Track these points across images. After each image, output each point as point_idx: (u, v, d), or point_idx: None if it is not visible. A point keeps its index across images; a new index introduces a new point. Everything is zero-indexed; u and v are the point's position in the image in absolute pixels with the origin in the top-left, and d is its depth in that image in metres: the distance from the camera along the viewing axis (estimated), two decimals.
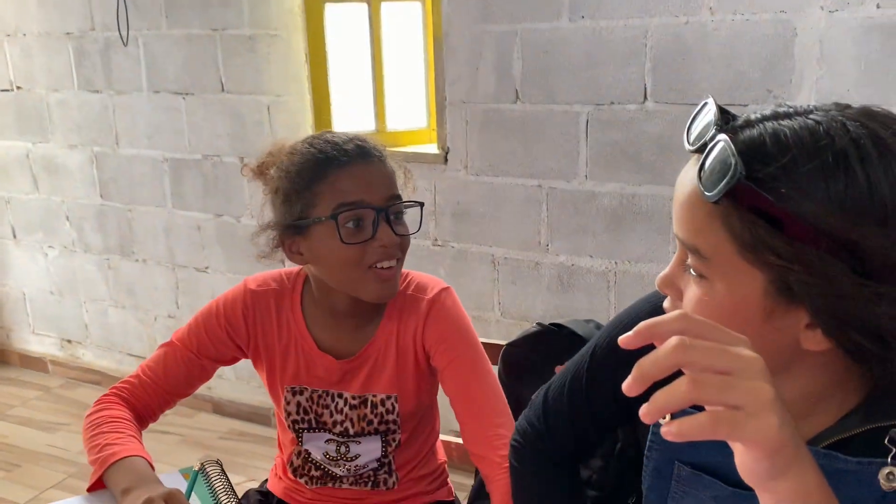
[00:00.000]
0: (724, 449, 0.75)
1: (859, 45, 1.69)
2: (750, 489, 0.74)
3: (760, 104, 1.81)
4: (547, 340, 1.17)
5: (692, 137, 0.68)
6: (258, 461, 2.55)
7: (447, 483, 1.32)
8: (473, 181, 2.21)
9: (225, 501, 0.99)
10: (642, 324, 0.53)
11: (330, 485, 1.24)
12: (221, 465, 1.06)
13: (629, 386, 0.52)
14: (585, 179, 2.06)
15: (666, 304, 0.73)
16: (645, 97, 1.94)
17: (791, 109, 0.66)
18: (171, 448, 2.62)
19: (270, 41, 2.41)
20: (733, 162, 0.59)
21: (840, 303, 0.60)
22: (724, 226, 0.62)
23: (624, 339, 0.54)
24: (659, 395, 0.51)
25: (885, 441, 0.69)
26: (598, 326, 1.18)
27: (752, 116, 0.66)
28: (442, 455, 1.33)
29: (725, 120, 0.66)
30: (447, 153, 2.23)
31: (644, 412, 0.51)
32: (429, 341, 1.15)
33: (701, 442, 0.76)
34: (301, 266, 1.19)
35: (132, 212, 2.87)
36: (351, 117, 2.46)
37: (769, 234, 0.60)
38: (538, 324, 1.21)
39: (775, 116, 0.65)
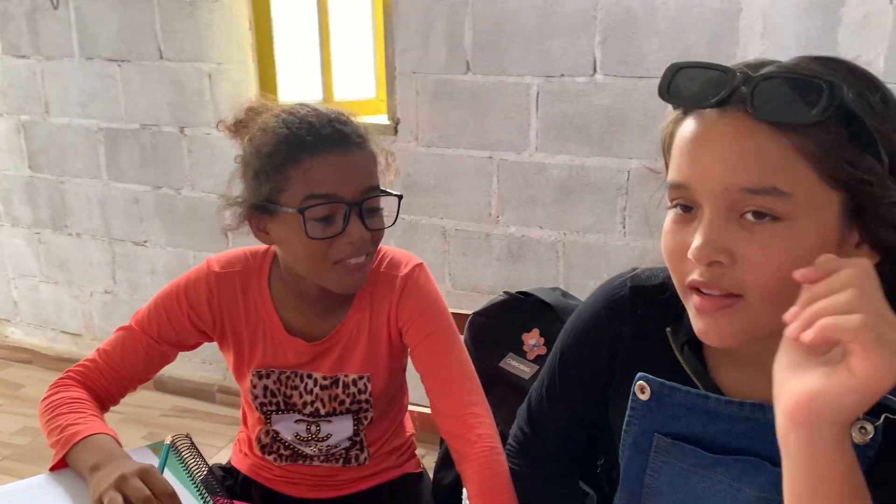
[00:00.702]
0: (703, 419, 0.78)
1: (800, 20, 1.75)
2: (729, 455, 0.77)
3: None
4: (514, 308, 1.18)
5: (707, 92, 0.67)
6: (203, 437, 2.50)
7: (415, 455, 1.32)
8: (424, 153, 2.20)
9: (198, 476, 0.97)
10: (825, 259, 0.59)
11: (300, 462, 1.21)
12: (191, 440, 1.03)
13: (802, 335, 0.57)
14: (536, 151, 2.08)
15: (701, 276, 0.68)
16: (594, 70, 1.97)
17: (757, 60, 0.70)
18: (113, 426, 2.55)
19: (212, 6, 2.33)
20: (826, 84, 0.61)
21: (892, 210, 0.64)
22: (801, 154, 0.63)
23: (802, 274, 0.59)
24: (828, 321, 0.55)
25: None
26: (564, 294, 1.20)
27: (743, 66, 0.68)
28: (410, 427, 1.33)
29: (732, 68, 0.67)
30: (397, 124, 2.21)
31: (803, 332, 0.57)
32: (402, 318, 1.13)
33: (681, 413, 0.79)
34: (265, 247, 1.15)
35: (65, 184, 2.75)
36: (297, 87, 2.41)
37: (850, 151, 0.63)
38: (505, 292, 1.22)
39: (770, 62, 0.68)
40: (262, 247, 1.16)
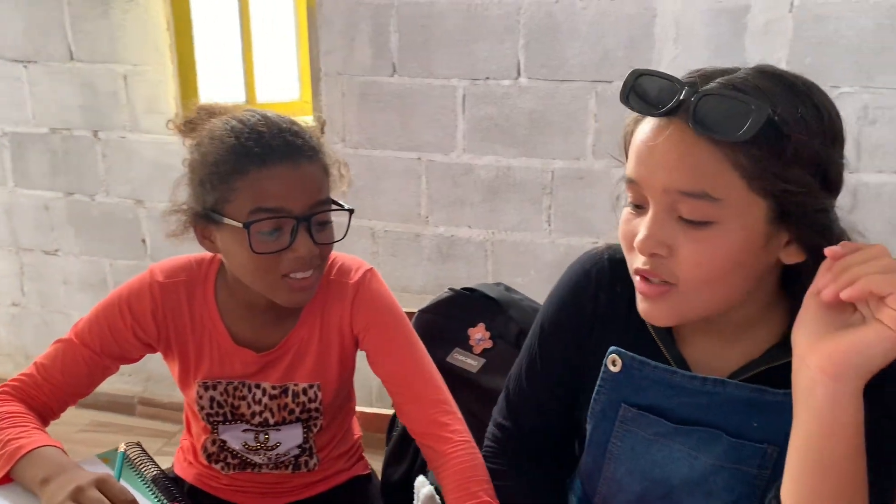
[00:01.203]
0: (668, 392, 0.84)
1: (710, 26, 1.86)
2: (689, 425, 0.83)
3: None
4: (459, 304, 1.21)
5: (658, 100, 0.73)
6: None
7: (362, 457, 1.32)
8: (352, 154, 2.20)
9: (155, 483, 0.95)
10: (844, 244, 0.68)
11: (249, 470, 1.19)
12: (142, 447, 1.01)
13: (843, 293, 0.65)
14: (463, 152, 2.12)
15: (644, 265, 0.75)
16: (518, 73, 2.02)
17: (712, 69, 0.75)
18: None
19: (126, 6, 2.25)
20: (753, 107, 0.67)
21: (817, 216, 0.72)
22: (732, 165, 0.70)
23: (832, 251, 0.68)
24: (873, 279, 0.63)
25: None
26: (508, 289, 1.24)
27: (697, 76, 0.74)
28: (357, 430, 1.33)
29: (683, 81, 0.73)
30: (323, 126, 2.20)
31: (831, 287, 0.66)
32: (357, 326, 1.12)
33: (648, 386, 0.85)
34: (210, 255, 1.12)
35: None
36: (219, 88, 2.36)
37: (777, 165, 0.69)
38: (450, 288, 1.25)
39: (721, 73, 0.74)
40: (208, 254, 1.13)
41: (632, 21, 1.91)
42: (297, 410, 1.13)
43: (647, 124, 0.75)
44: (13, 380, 1.08)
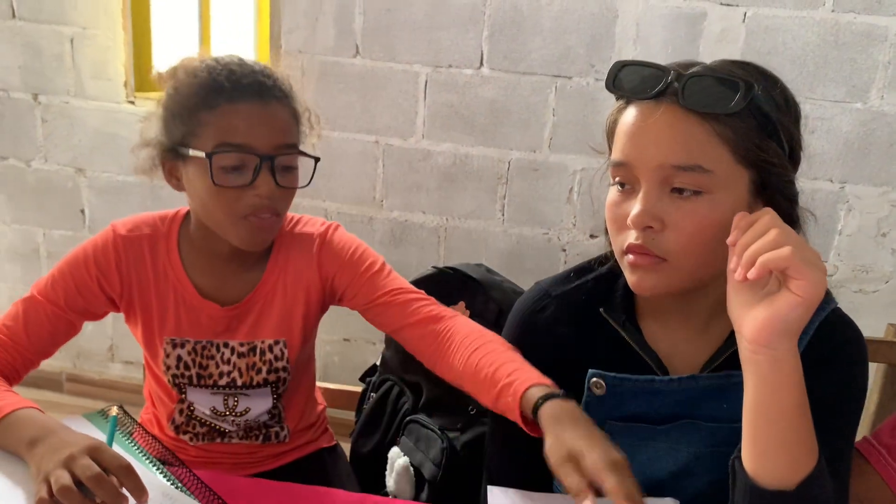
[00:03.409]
0: (648, 399, 0.89)
1: (668, 29, 1.94)
2: (668, 423, 0.88)
3: (584, 77, 2.00)
4: (440, 282, 1.23)
5: (645, 86, 0.80)
6: None
7: (328, 429, 1.32)
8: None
9: (147, 447, 0.93)
10: (740, 216, 0.72)
11: (218, 441, 1.18)
12: (125, 410, 0.99)
13: (748, 273, 0.69)
14: (422, 138, 2.14)
15: (636, 240, 0.80)
16: (481, 63, 2.05)
17: (685, 61, 0.83)
18: None
19: None
20: (742, 82, 0.75)
21: (788, 187, 0.80)
22: (720, 138, 0.77)
23: (731, 239, 0.72)
24: (766, 257, 0.67)
25: None
26: (489, 270, 1.27)
27: (675, 65, 0.81)
28: (321, 400, 1.34)
29: (668, 67, 0.80)
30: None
31: (740, 270, 0.70)
32: (329, 272, 1.12)
33: (630, 398, 0.89)
34: (174, 211, 1.13)
35: None
36: (173, 58, 2.29)
37: (758, 137, 0.78)
38: (433, 266, 1.26)
39: (695, 64, 0.82)
40: (170, 211, 1.14)
41: (594, 19, 1.97)
42: (265, 370, 1.13)
43: (634, 109, 0.81)
44: None
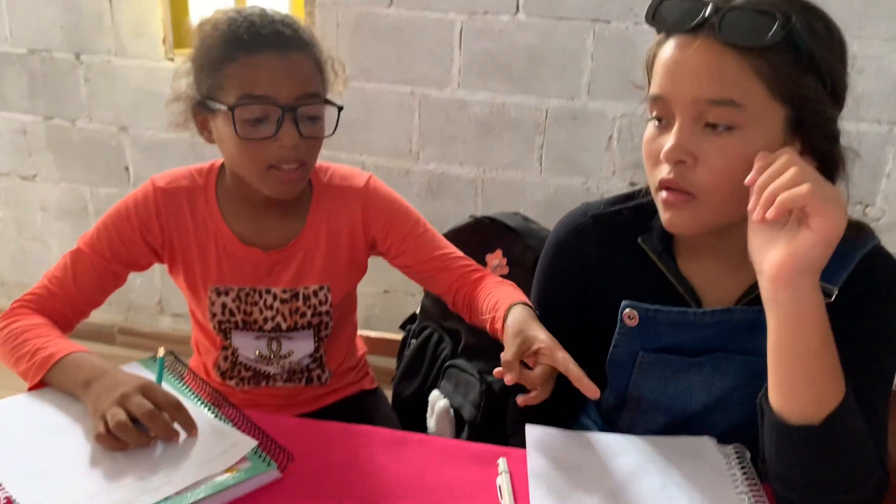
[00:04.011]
0: (682, 332, 0.89)
1: None
2: (703, 355, 0.89)
3: (623, 21, 1.95)
4: (477, 231, 1.24)
5: (684, 19, 0.79)
6: None
7: (368, 373, 1.36)
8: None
9: (198, 388, 0.97)
10: (761, 156, 0.73)
11: (263, 384, 1.22)
12: (176, 356, 1.02)
13: (767, 213, 0.70)
14: (458, 88, 2.12)
15: (669, 174, 0.81)
16: (517, 9, 2.02)
17: None
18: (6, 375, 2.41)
19: None
20: (780, 14, 0.74)
21: (828, 125, 0.79)
22: (755, 73, 0.76)
23: (750, 178, 0.73)
24: (785, 195, 0.69)
25: None
26: (526, 219, 1.27)
27: None
28: (362, 346, 1.37)
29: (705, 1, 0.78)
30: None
31: (759, 210, 0.72)
32: (373, 230, 1.17)
33: (663, 330, 0.90)
34: (209, 163, 1.16)
35: None
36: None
37: (796, 72, 0.76)
38: (470, 216, 1.27)
39: None
40: (206, 164, 1.17)
41: None
42: (309, 314, 1.17)
43: (672, 43, 0.80)
44: (28, 294, 1.09)
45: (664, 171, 0.81)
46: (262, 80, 0.99)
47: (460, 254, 1.19)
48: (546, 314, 1.00)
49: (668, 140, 0.79)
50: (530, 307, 1.00)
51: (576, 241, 0.97)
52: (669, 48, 0.80)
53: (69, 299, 1.10)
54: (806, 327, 0.72)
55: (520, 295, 1.06)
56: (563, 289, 1.00)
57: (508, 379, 0.85)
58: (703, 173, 0.79)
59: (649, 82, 0.86)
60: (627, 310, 0.90)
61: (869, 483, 0.78)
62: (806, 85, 0.77)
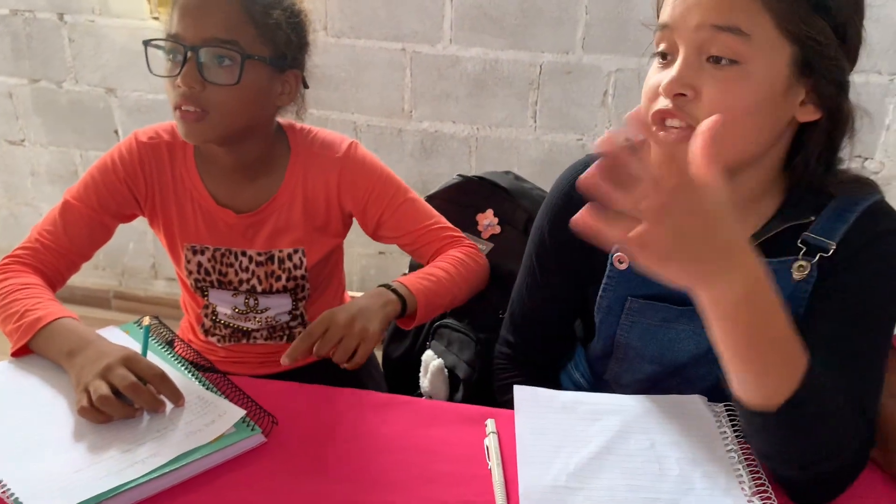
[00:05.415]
0: None
1: None
2: (693, 305, 0.87)
3: None
4: (467, 191, 1.22)
5: None
6: None
7: None
8: (334, 44, 2.14)
9: (183, 354, 0.96)
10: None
11: (243, 342, 1.23)
12: (160, 320, 1.01)
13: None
14: (450, 43, 2.08)
15: (668, 104, 0.78)
16: None
17: None
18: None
19: None
20: None
21: (836, 71, 0.76)
22: (764, 5, 0.74)
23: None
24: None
25: (798, 242, 0.84)
26: (518, 178, 1.25)
27: None
28: None
29: None
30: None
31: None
32: (349, 203, 1.16)
33: (651, 278, 0.88)
34: None
35: None
36: None
37: (805, 10, 0.73)
38: (459, 175, 1.25)
39: None
40: None
41: None
42: (284, 277, 1.17)
43: None
44: (19, 248, 1.09)
45: (661, 103, 0.79)
46: (177, 19, 1.00)
47: (443, 224, 1.19)
48: (543, 262, 1.00)
49: (670, 72, 0.78)
50: (398, 294, 1.04)
51: (577, 191, 0.95)
52: None
53: (62, 251, 1.11)
54: (733, 326, 0.67)
55: (432, 277, 1.10)
56: (563, 238, 0.98)
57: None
58: (705, 107, 0.77)
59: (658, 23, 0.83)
60: (618, 253, 0.88)
61: (849, 449, 0.76)
62: (815, 25, 0.74)
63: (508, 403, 0.89)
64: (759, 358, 0.69)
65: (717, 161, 0.60)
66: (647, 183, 0.57)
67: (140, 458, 0.77)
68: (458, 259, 1.14)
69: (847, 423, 0.75)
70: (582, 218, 0.59)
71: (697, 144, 0.60)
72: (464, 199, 1.17)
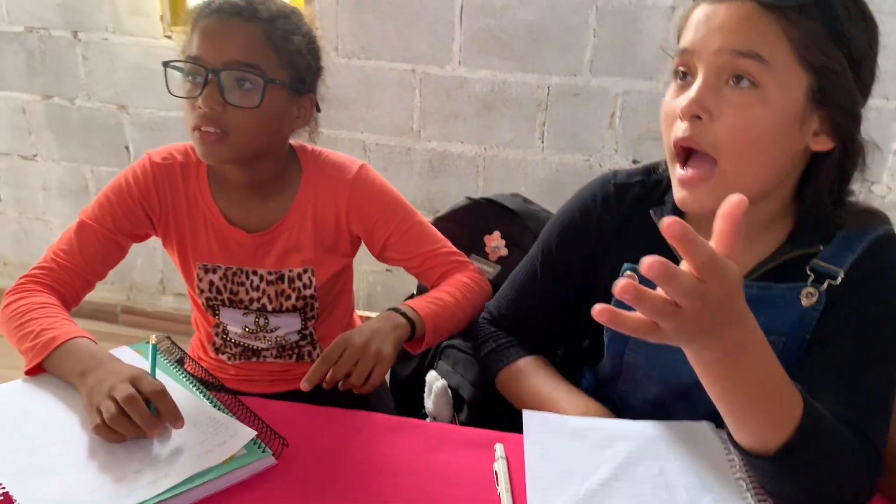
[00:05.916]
0: None
1: None
2: None
3: None
4: (477, 212, 1.23)
5: None
6: None
7: None
8: (345, 65, 2.16)
9: (193, 373, 0.96)
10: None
11: (254, 360, 1.24)
12: (171, 340, 1.02)
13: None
14: (458, 65, 2.10)
15: (684, 133, 0.80)
16: None
17: None
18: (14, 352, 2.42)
19: None
20: None
21: (850, 103, 0.78)
22: (784, 34, 0.75)
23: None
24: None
25: (807, 269, 0.84)
26: (526, 200, 1.26)
27: None
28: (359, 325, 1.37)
29: None
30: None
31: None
32: (358, 227, 1.17)
33: None
34: None
35: None
36: None
37: (824, 41, 0.75)
38: (467, 197, 1.26)
39: None
40: None
41: None
42: (294, 296, 1.18)
43: (706, 4, 0.80)
44: (35, 268, 1.10)
45: (680, 129, 0.81)
46: (199, 42, 1.01)
47: (448, 248, 1.20)
48: (546, 269, 1.02)
49: (688, 94, 0.79)
50: (407, 318, 1.05)
51: (598, 207, 0.98)
52: (702, 10, 0.81)
53: (77, 271, 1.12)
54: (720, 381, 0.69)
55: (439, 301, 1.11)
56: (576, 249, 1.00)
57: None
58: (720, 130, 0.78)
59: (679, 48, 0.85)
60: (629, 272, 0.90)
61: (855, 483, 0.76)
62: (832, 55, 0.76)
63: (488, 359, 0.99)
64: (750, 404, 0.70)
65: (741, 237, 0.62)
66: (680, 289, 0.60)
67: (151, 479, 0.78)
68: (464, 284, 1.15)
69: (852, 458, 0.76)
70: (604, 311, 0.63)
71: (722, 227, 0.61)
72: (471, 221, 1.17)
